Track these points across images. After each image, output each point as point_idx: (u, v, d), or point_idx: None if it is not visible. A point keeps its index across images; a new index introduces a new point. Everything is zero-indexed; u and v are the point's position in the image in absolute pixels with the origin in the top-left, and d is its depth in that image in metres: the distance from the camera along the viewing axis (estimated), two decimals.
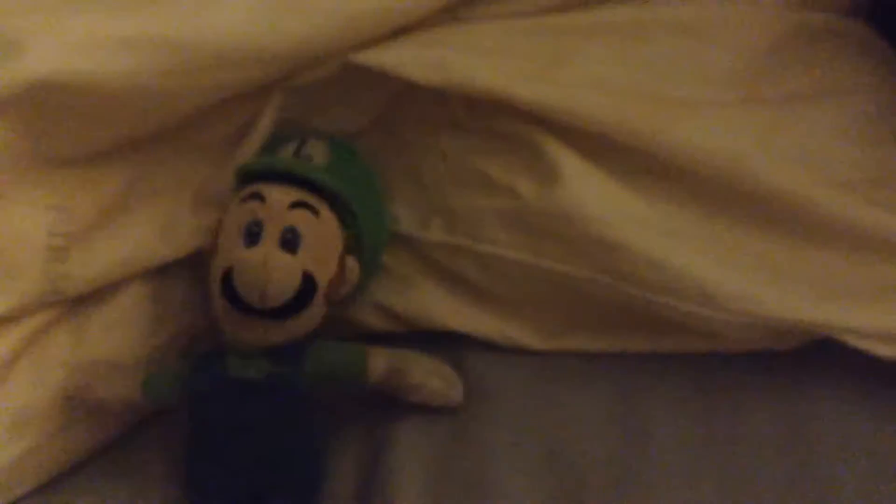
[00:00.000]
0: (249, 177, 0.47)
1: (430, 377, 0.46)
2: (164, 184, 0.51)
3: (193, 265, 0.54)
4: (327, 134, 0.51)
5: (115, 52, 0.43)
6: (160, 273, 0.52)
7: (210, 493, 0.43)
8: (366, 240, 0.48)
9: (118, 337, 0.50)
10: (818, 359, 0.44)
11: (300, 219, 0.43)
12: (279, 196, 0.44)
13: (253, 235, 0.43)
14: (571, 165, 0.45)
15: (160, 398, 0.47)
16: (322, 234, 0.45)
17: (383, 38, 0.48)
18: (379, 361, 0.45)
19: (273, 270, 0.41)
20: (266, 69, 0.47)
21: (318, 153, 0.49)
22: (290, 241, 0.43)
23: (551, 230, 0.46)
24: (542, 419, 0.46)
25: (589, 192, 0.45)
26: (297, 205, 0.44)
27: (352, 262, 0.46)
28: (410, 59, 0.48)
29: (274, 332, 0.43)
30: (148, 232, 0.50)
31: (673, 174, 0.44)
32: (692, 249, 0.44)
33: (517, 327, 0.50)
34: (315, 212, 0.44)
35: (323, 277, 0.44)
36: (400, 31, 0.49)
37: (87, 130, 0.46)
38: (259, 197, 0.44)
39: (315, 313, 0.44)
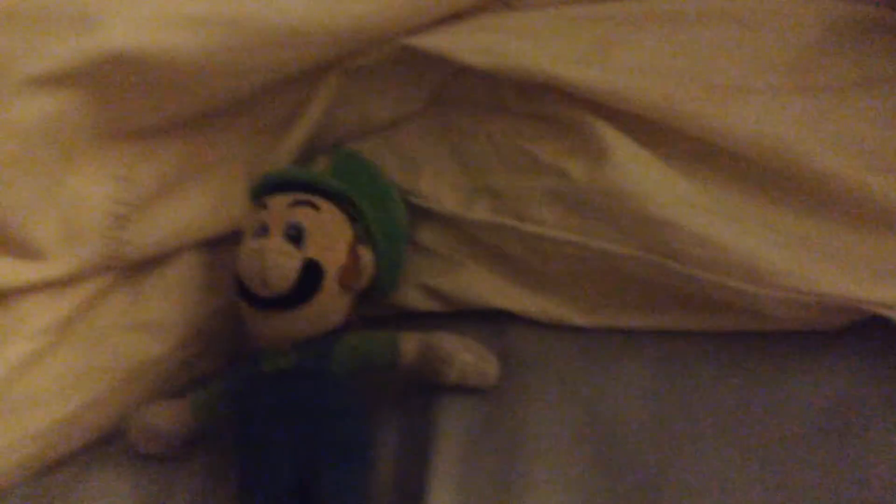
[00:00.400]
0: (261, 193, 0.50)
1: (461, 351, 0.46)
2: (220, 158, 0.53)
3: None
4: (334, 146, 0.54)
5: (186, 29, 0.45)
6: (212, 245, 0.54)
7: (262, 487, 0.43)
8: (375, 229, 0.49)
9: (171, 303, 0.52)
10: (862, 337, 0.44)
11: (301, 214, 0.46)
12: (280, 199, 0.47)
13: (259, 237, 0.46)
14: (621, 146, 0.46)
15: (211, 416, 0.48)
16: (324, 225, 0.47)
17: (437, 23, 0.50)
18: (410, 343, 0.46)
19: (269, 254, 0.43)
20: (324, 49, 0.49)
21: (318, 163, 0.52)
22: (294, 235, 0.45)
23: (600, 209, 0.46)
24: (583, 389, 0.46)
25: (639, 171, 0.46)
26: (296, 203, 0.47)
27: (365, 252, 0.48)
28: (464, 43, 0.49)
29: (292, 325, 0.45)
30: (202, 205, 0.52)
31: (721, 158, 0.45)
32: (740, 228, 0.44)
33: (559, 304, 0.50)
34: (315, 207, 0.47)
35: (331, 265, 0.45)
36: (453, 17, 0.50)
37: (153, 104, 0.48)
38: (263, 205, 0.47)
39: (332, 303, 0.46)
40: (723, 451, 0.42)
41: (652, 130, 0.46)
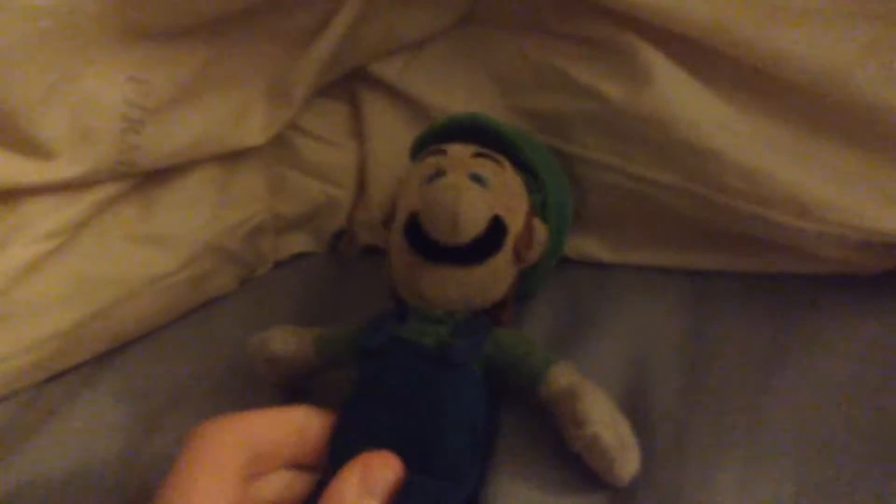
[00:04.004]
0: (429, 142, 0.44)
1: (602, 421, 0.35)
2: (240, 69, 0.50)
3: (263, 157, 0.54)
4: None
5: None
6: (230, 159, 0.52)
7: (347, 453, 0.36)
8: (552, 207, 0.44)
9: (182, 217, 0.50)
10: None
11: (483, 166, 0.39)
12: (460, 149, 0.40)
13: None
14: (664, 69, 0.43)
15: (332, 355, 0.42)
16: (507, 183, 0.40)
17: None
18: (562, 375, 0.37)
19: (465, 193, 0.36)
20: None
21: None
22: (476, 182, 0.38)
23: (639, 135, 0.44)
24: (614, 329, 0.44)
25: (682, 95, 0.43)
26: (479, 155, 0.40)
27: (540, 224, 0.42)
28: None
29: (458, 286, 0.38)
30: (221, 115, 0.50)
31: (770, 86, 0.42)
32: (787, 160, 0.41)
33: (587, 238, 0.48)
34: (498, 162, 0.41)
35: (513, 225, 0.39)
36: None
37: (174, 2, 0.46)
38: (440, 152, 0.41)
39: (502, 273, 0.39)
40: (753, 398, 0.40)
41: (698, 54, 0.43)
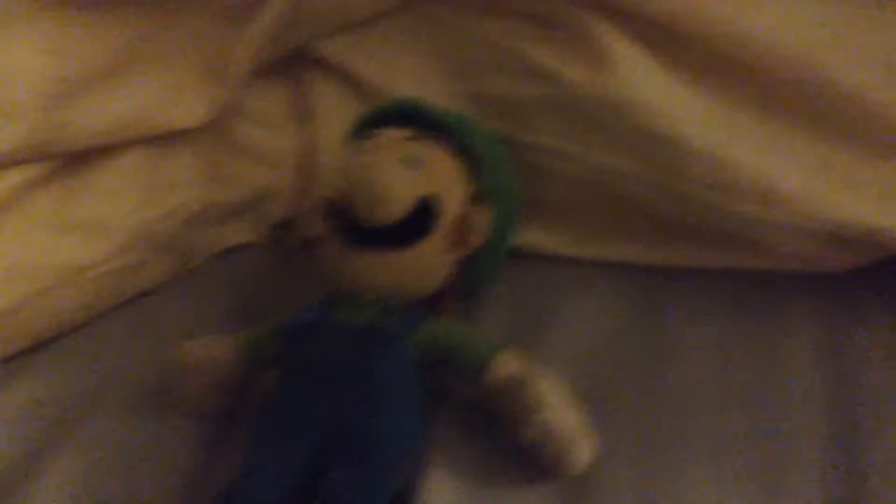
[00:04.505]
0: (366, 127, 0.41)
1: (556, 406, 0.33)
2: (174, 46, 0.47)
3: (199, 140, 0.50)
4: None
5: None
6: (162, 142, 0.49)
7: (269, 452, 0.34)
8: (493, 194, 0.41)
9: (110, 203, 0.47)
10: (864, 284, 0.41)
11: (417, 147, 0.38)
12: (392, 132, 0.39)
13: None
14: (624, 51, 0.41)
15: (256, 354, 0.39)
16: (442, 164, 0.38)
17: None
18: (510, 361, 0.35)
19: (383, 170, 0.34)
20: None
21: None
22: (408, 165, 0.36)
23: (598, 120, 0.42)
24: (573, 324, 0.42)
25: (643, 79, 0.41)
26: (412, 138, 0.39)
27: (480, 210, 0.39)
28: None
29: (386, 272, 0.36)
30: (152, 93, 0.47)
31: (735, 69, 0.40)
32: (751, 146, 0.39)
33: (544, 231, 0.46)
34: (432, 146, 0.39)
35: (446, 208, 0.37)
36: None
37: None
38: (372, 136, 0.39)
39: (434, 259, 0.37)
40: (713, 395, 0.38)
41: (661, 36, 0.41)
